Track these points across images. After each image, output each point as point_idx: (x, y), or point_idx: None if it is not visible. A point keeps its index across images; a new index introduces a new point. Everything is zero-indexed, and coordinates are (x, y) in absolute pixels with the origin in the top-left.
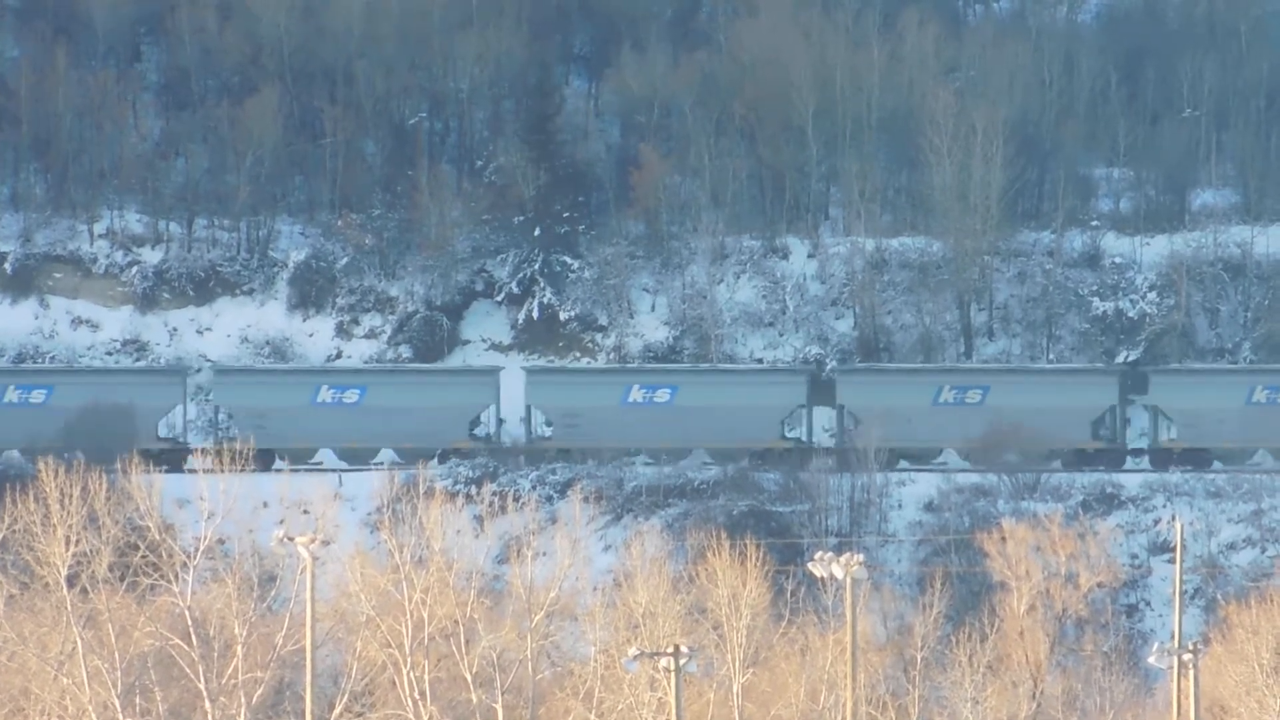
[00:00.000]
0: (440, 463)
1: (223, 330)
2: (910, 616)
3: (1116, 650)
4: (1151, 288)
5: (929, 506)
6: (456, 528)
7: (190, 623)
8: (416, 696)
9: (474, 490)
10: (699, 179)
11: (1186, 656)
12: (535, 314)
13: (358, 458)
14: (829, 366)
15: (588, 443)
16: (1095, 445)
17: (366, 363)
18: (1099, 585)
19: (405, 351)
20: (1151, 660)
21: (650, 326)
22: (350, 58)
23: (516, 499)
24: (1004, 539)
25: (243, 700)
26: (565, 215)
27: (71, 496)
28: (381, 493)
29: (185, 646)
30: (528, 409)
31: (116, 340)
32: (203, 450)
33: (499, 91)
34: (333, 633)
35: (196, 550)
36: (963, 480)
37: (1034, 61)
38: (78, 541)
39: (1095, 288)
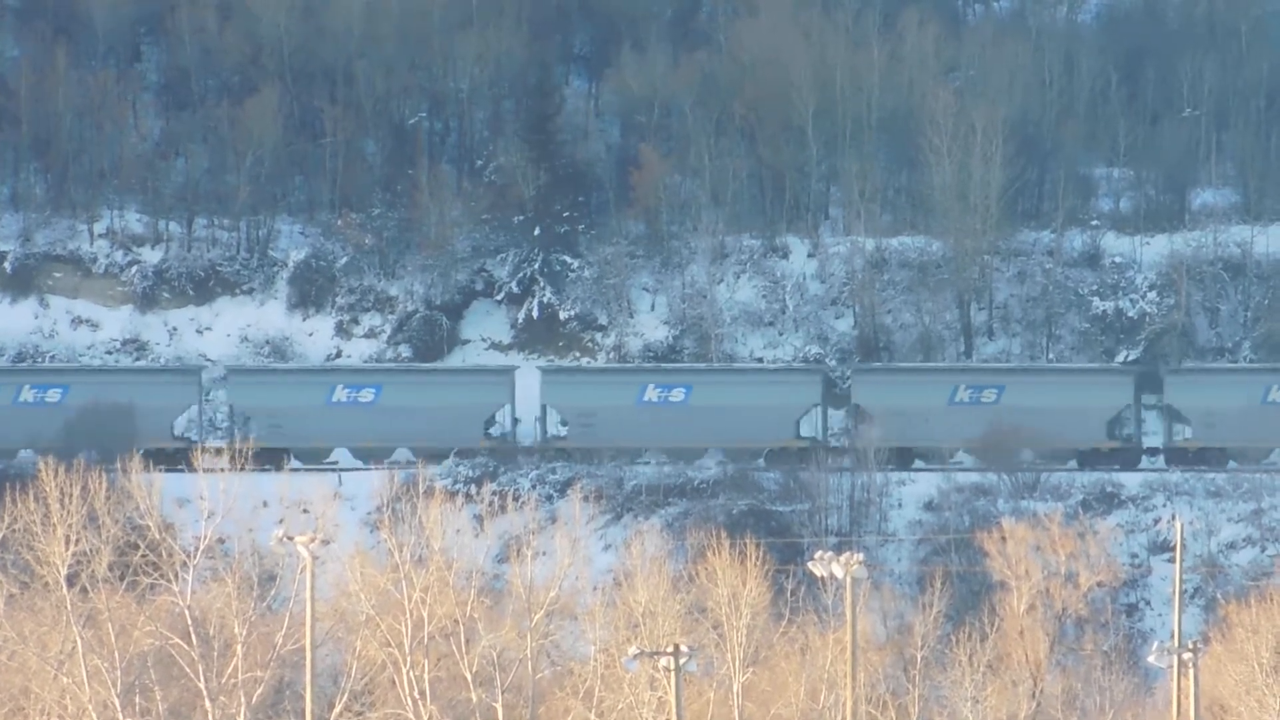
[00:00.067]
0: (459, 459)
1: (223, 330)
2: (910, 616)
3: (1116, 649)
4: (1151, 287)
5: (929, 506)
6: (456, 527)
7: (190, 622)
8: (416, 696)
9: (474, 489)
10: (699, 179)
11: (1186, 656)
12: (535, 313)
13: (373, 457)
14: (834, 366)
15: (602, 442)
16: (1110, 445)
17: (366, 361)
18: (1099, 584)
19: (405, 351)
20: (1151, 659)
21: (650, 326)
22: (350, 58)
23: (516, 498)
24: (1004, 538)
25: (242, 700)
26: (565, 215)
27: (71, 496)
28: (381, 492)
29: (185, 646)
30: (543, 408)
31: (116, 340)
32: (201, 449)
33: (499, 91)
34: (332, 632)
35: (196, 549)
36: (963, 479)
37: (1034, 61)
38: (78, 541)
39: (1095, 287)
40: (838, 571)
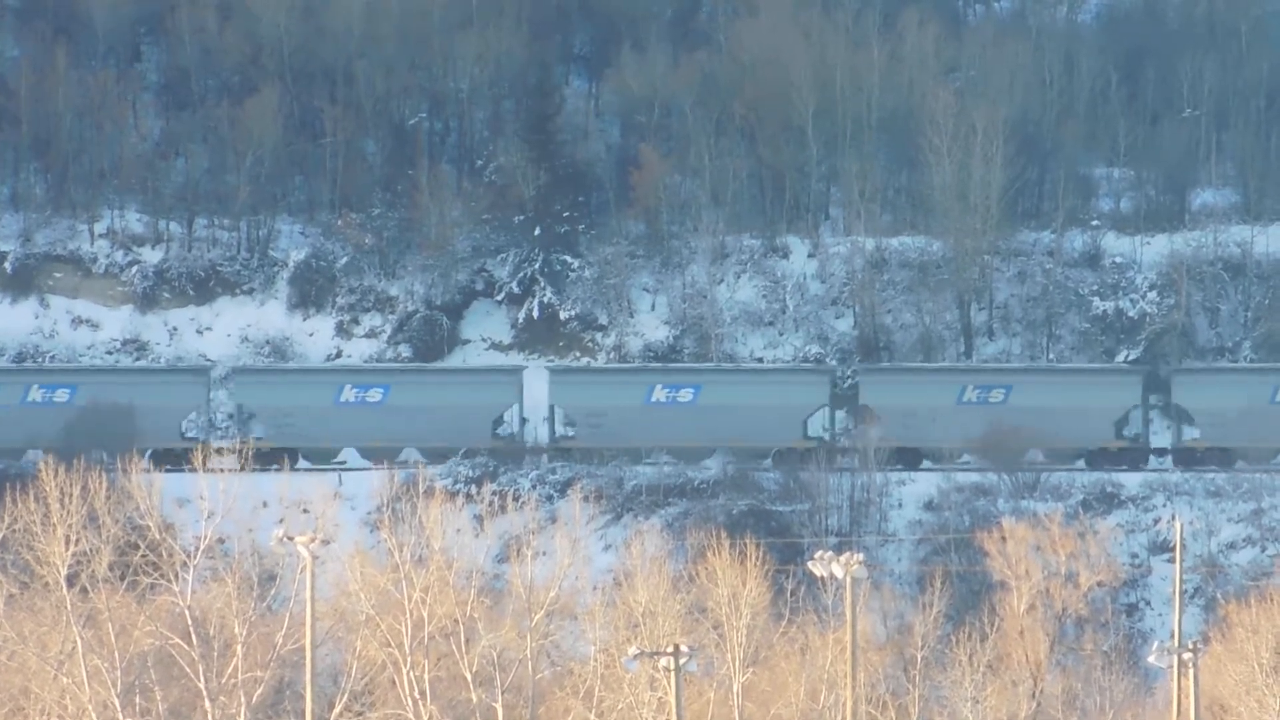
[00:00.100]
0: (459, 460)
1: (223, 330)
2: (910, 616)
3: (1116, 649)
4: (1152, 287)
5: (929, 505)
6: (456, 527)
7: (190, 622)
8: (416, 696)
9: (474, 489)
10: (699, 179)
11: (1186, 656)
12: (535, 313)
13: (380, 457)
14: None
15: (610, 442)
16: (1118, 445)
17: (366, 361)
18: (1099, 584)
19: (405, 351)
20: (1151, 659)
21: (650, 326)
22: (350, 58)
23: (516, 498)
24: (1004, 538)
25: (243, 699)
26: (565, 215)
27: (71, 496)
28: (381, 492)
29: (185, 646)
30: (551, 409)
31: (116, 340)
32: (203, 449)
33: (499, 91)
34: (332, 632)
35: (196, 549)
36: (963, 479)
37: (1034, 61)
38: (78, 541)
39: (1095, 287)
40: (838, 571)
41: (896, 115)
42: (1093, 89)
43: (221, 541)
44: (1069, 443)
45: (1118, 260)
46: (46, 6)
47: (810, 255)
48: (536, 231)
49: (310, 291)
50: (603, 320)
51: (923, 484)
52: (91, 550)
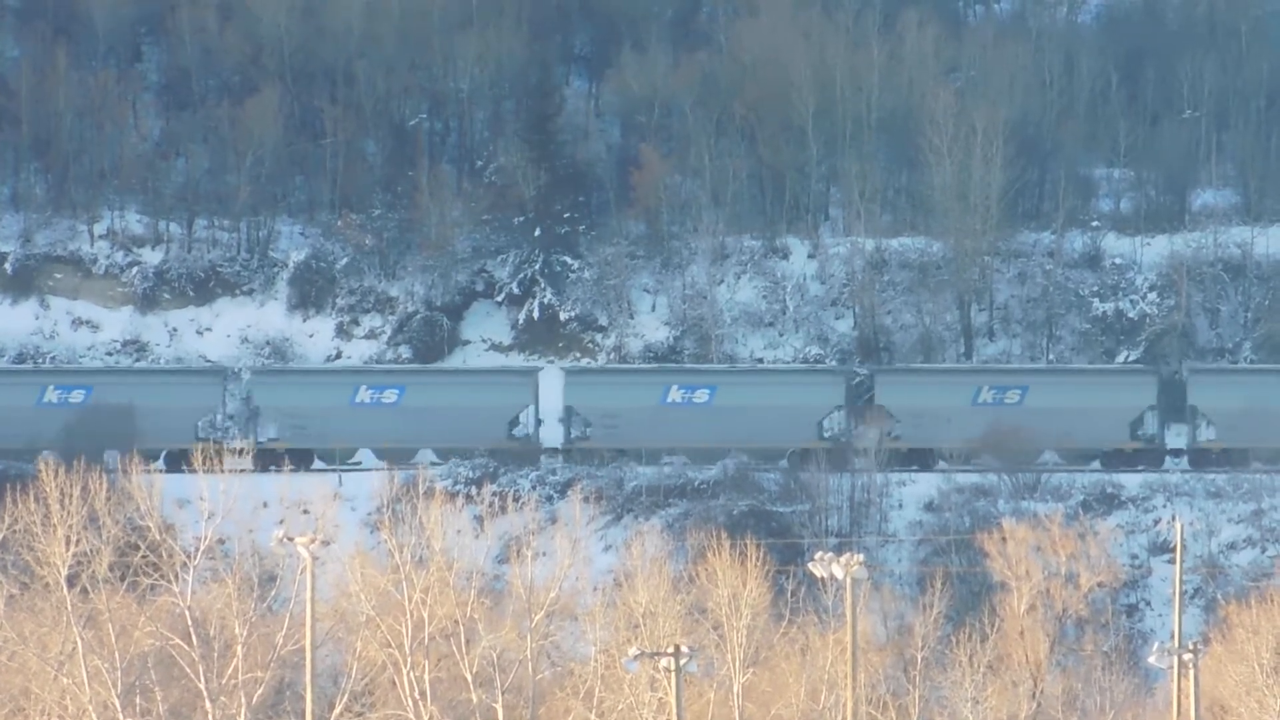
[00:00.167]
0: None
1: (223, 330)
2: (910, 616)
3: (1116, 650)
4: (1152, 288)
5: (929, 506)
6: (457, 528)
7: (190, 623)
8: (416, 696)
9: (474, 490)
10: (699, 179)
11: (1186, 656)
12: (535, 314)
13: (396, 458)
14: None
15: (626, 443)
16: (1133, 445)
17: (366, 362)
18: (1099, 585)
19: (405, 352)
20: (1152, 660)
21: (650, 326)
22: (350, 58)
23: (516, 499)
24: (1004, 539)
25: (243, 700)
26: (565, 215)
27: (72, 496)
28: (381, 493)
29: (185, 646)
30: (567, 409)
31: (117, 341)
32: (202, 448)
33: (499, 92)
34: (333, 633)
35: (197, 550)
36: (963, 480)
37: (1034, 62)
38: (78, 541)
39: (1095, 288)
40: (838, 572)
41: (896, 115)
42: (1093, 89)
43: (222, 542)
44: (1084, 444)
45: (1118, 261)
46: (46, 6)
47: (810, 256)
48: (537, 232)
49: (310, 292)
50: (603, 321)
51: (923, 485)
52: (92, 551)
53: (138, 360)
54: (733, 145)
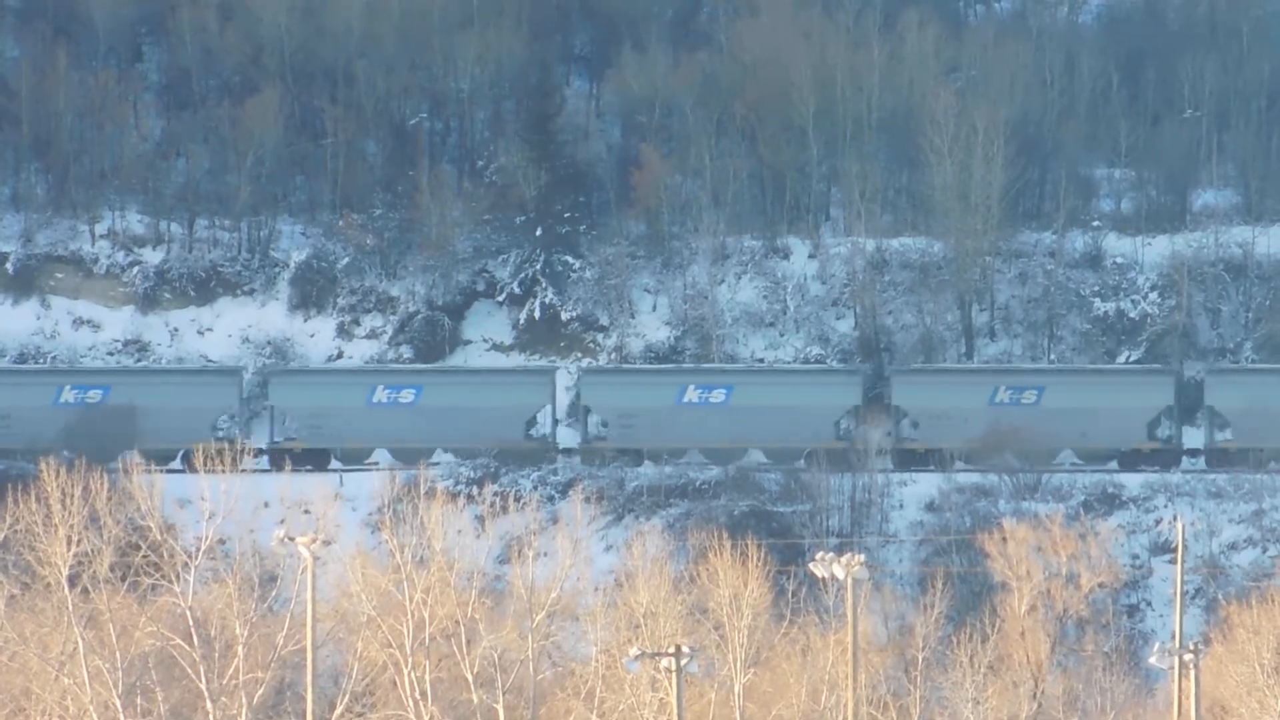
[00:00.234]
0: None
1: (224, 330)
2: (911, 617)
3: (1117, 650)
4: (1153, 288)
5: (930, 506)
6: (458, 528)
7: (191, 623)
8: (417, 697)
9: (475, 490)
10: (700, 179)
11: (1187, 657)
12: (536, 314)
13: (413, 458)
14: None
15: (643, 443)
16: (1151, 446)
17: (366, 362)
18: (1100, 585)
19: (406, 352)
20: (1152, 660)
21: (651, 327)
22: (350, 58)
23: (517, 499)
24: (1005, 539)
25: (243, 700)
26: (566, 215)
27: (73, 496)
28: (382, 493)
29: (186, 647)
30: (584, 410)
31: (118, 341)
32: (202, 448)
33: (499, 91)
34: (334, 633)
35: (198, 550)
36: (964, 480)
37: (1035, 62)
38: (79, 541)
39: (1096, 288)
40: (839, 572)
41: (897, 115)
42: (1093, 89)
43: (222, 542)
44: (1101, 444)
45: (1119, 261)
46: (47, 6)
47: (811, 256)
48: (537, 232)
49: (311, 292)
50: (604, 321)
51: (924, 485)
52: (93, 551)
53: (139, 360)
54: (733, 145)
